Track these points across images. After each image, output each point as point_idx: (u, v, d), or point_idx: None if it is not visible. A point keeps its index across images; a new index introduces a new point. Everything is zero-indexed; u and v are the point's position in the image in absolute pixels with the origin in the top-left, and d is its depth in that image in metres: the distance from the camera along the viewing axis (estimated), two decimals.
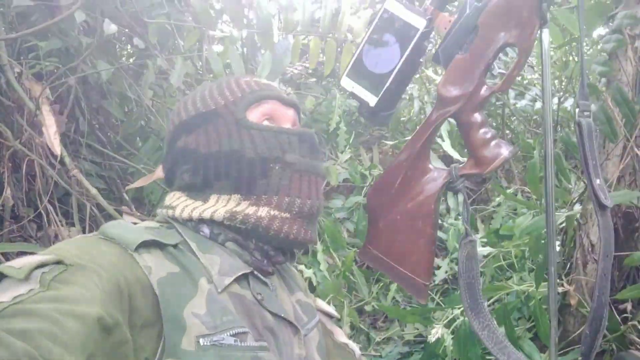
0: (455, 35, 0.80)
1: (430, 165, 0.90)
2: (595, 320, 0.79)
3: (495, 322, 0.86)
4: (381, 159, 2.85)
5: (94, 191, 1.34)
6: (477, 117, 0.82)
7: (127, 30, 1.58)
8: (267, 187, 0.79)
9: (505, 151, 0.80)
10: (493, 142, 0.81)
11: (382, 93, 0.85)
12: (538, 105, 2.52)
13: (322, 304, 0.99)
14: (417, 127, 0.88)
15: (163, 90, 1.85)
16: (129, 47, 2.09)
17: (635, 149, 1.38)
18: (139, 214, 1.44)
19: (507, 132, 3.07)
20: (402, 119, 3.06)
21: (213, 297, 0.70)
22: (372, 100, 0.86)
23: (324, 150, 0.92)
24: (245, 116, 0.82)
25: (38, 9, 1.61)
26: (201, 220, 0.79)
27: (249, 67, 1.79)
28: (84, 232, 1.57)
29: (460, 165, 0.86)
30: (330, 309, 1.00)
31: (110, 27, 1.27)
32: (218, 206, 0.79)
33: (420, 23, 0.80)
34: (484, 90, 0.80)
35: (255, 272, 0.79)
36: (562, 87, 3.14)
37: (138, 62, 1.82)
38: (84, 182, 1.32)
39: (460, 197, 2.46)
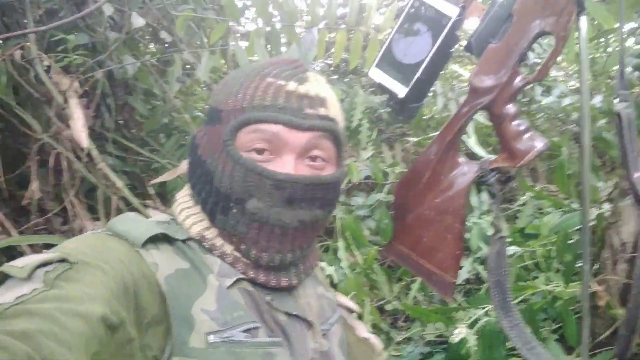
0: (489, 24, 0.77)
1: (460, 159, 0.88)
2: (631, 319, 0.76)
3: (523, 322, 0.83)
4: (404, 157, 2.82)
5: (120, 184, 1.35)
6: (511, 108, 0.79)
7: (154, 24, 1.59)
8: (225, 225, 0.72)
9: (539, 144, 0.78)
10: (527, 135, 0.79)
11: (412, 84, 0.83)
12: (565, 102, 2.47)
13: (343, 298, 0.97)
14: (446, 121, 0.86)
15: (186, 87, 1.86)
16: (152, 45, 2.10)
17: None
18: (163, 208, 1.45)
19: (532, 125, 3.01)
20: (424, 116, 3.02)
21: (223, 293, 0.69)
22: (401, 91, 0.84)
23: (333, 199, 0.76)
24: (232, 137, 0.70)
25: (67, 5, 1.63)
26: None
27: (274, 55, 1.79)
28: None
29: (491, 159, 0.84)
30: (351, 304, 0.97)
31: (138, 21, 1.28)
32: (197, 219, 0.75)
33: (453, 11, 0.78)
34: (518, 80, 0.77)
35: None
36: (591, 83, 3.08)
37: (163, 59, 1.83)
38: (110, 175, 1.33)
39: (485, 195, 2.43)
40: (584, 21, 0.71)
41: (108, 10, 1.23)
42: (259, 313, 0.71)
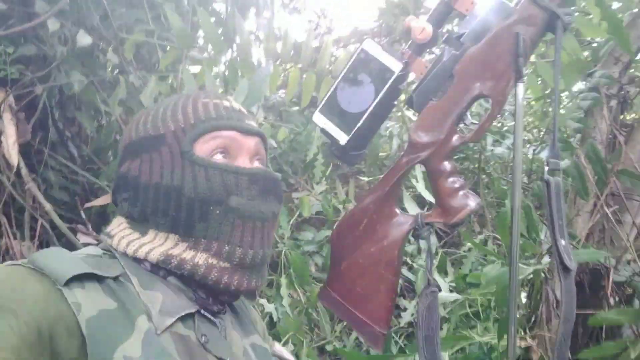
0: (431, 82, 0.78)
1: (397, 210, 0.87)
2: None
3: None
4: (357, 194, 2.82)
5: (47, 207, 1.28)
6: (447, 165, 0.80)
7: (102, 44, 1.55)
8: (206, 232, 0.72)
9: (472, 203, 0.78)
10: (461, 192, 0.79)
11: (353, 132, 0.83)
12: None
13: (280, 349, 0.94)
14: (385, 172, 0.86)
15: (136, 106, 1.81)
16: (101, 56, 2.05)
17: (605, 208, 1.38)
18: (95, 234, 1.38)
19: (484, 176, 3.10)
20: (380, 154, 3.06)
21: (150, 339, 0.64)
22: (342, 138, 0.84)
23: (284, 190, 0.86)
24: (192, 148, 0.74)
25: (17, 14, 1.57)
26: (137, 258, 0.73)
27: (230, 91, 1.77)
28: (36, 248, 1.50)
29: (427, 213, 0.84)
30: (289, 356, 0.95)
31: (85, 39, 1.24)
32: (155, 244, 0.73)
33: (396, 66, 0.78)
34: (455, 139, 0.78)
35: (202, 311, 0.73)
36: (540, 137, 3.20)
37: (116, 76, 1.78)
38: (38, 196, 1.26)
39: (433, 238, 2.45)
40: (521, 88, 0.73)
41: (53, 26, 1.18)
42: (190, 359, 0.67)
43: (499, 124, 3.22)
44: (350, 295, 0.88)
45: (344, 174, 2.98)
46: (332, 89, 0.85)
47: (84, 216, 1.38)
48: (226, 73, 1.70)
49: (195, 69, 1.63)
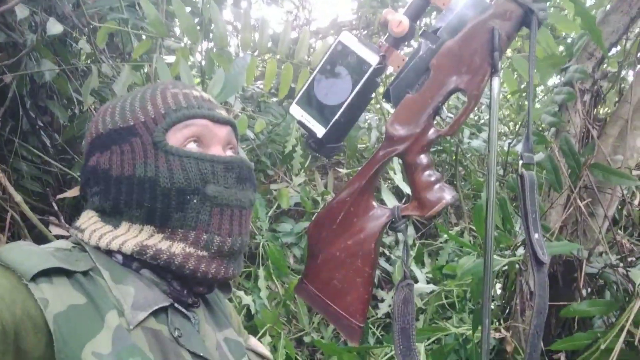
0: (407, 75, 0.78)
1: (373, 203, 0.87)
2: None
3: None
4: (335, 185, 2.82)
5: (18, 198, 1.24)
6: (423, 158, 0.80)
7: (74, 32, 1.51)
8: (183, 222, 0.71)
9: (448, 196, 0.79)
10: (437, 186, 0.79)
11: (330, 125, 0.82)
12: None
13: (255, 343, 0.93)
14: (363, 165, 0.85)
15: (109, 95, 1.77)
16: (74, 45, 2.00)
17: (578, 201, 1.41)
18: (67, 226, 1.35)
19: (460, 168, 3.13)
20: (359, 146, 3.06)
21: (121, 334, 0.63)
22: (319, 131, 0.83)
23: (255, 181, 0.84)
24: (165, 138, 0.73)
25: None
26: (110, 250, 0.71)
27: (207, 81, 1.75)
28: (7, 240, 1.46)
29: (404, 206, 0.84)
30: (264, 350, 0.94)
31: (55, 27, 1.20)
32: (128, 236, 0.71)
33: (373, 59, 0.77)
34: (431, 133, 0.78)
35: (176, 305, 0.72)
36: (516, 130, 3.24)
37: (88, 65, 1.74)
38: (8, 188, 1.22)
39: (411, 230, 2.46)
40: (496, 82, 0.73)
41: (21, 13, 1.14)
42: (162, 354, 0.66)
43: (476, 117, 3.25)
44: (327, 289, 0.88)
45: (322, 166, 2.98)
46: (309, 81, 0.84)
47: (56, 207, 1.35)
48: (202, 63, 1.68)
49: (170, 58, 1.60)
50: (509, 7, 0.70)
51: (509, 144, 2.21)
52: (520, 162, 0.72)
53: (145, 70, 1.49)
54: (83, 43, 1.37)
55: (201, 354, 0.71)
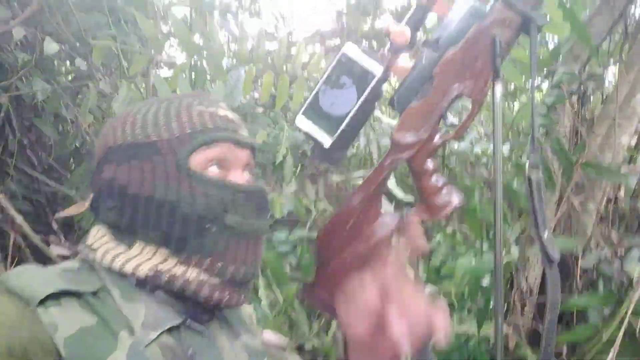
0: (412, 83, 0.80)
1: (382, 210, 0.89)
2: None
3: None
4: (326, 193, 2.84)
5: (19, 220, 1.23)
6: (430, 164, 0.82)
7: (65, 49, 1.50)
8: (200, 249, 0.71)
9: (456, 200, 0.81)
10: (444, 190, 0.82)
11: (337, 134, 0.84)
12: (476, 149, 2.62)
13: (269, 336, 0.94)
14: (370, 171, 0.87)
15: (102, 112, 1.77)
16: (68, 63, 1.99)
17: (572, 198, 1.45)
18: (68, 244, 1.34)
19: (447, 170, 3.17)
20: (347, 153, 3.08)
21: (136, 351, 0.63)
22: (326, 141, 0.85)
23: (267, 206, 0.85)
24: (188, 161, 0.72)
25: None
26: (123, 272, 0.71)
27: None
28: (5, 261, 1.44)
29: (412, 211, 0.86)
30: (278, 339, 0.94)
31: (51, 46, 1.20)
32: (142, 258, 0.71)
33: (377, 69, 0.80)
34: (437, 138, 0.80)
35: (187, 322, 0.72)
36: (506, 132, 3.28)
37: (77, 82, 1.73)
38: (8, 209, 1.21)
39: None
40: (498, 87, 0.76)
41: (18, 34, 1.14)
42: None
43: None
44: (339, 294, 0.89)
45: (312, 174, 2.99)
46: (314, 91, 0.86)
47: (55, 226, 1.34)
48: (192, 74, 1.68)
49: (164, 72, 1.61)
50: (508, 15, 0.73)
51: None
52: (527, 164, 0.75)
53: (143, 86, 1.49)
54: (80, 61, 1.37)
55: None
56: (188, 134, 0.73)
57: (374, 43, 2.78)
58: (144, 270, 0.70)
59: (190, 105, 0.76)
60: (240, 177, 0.77)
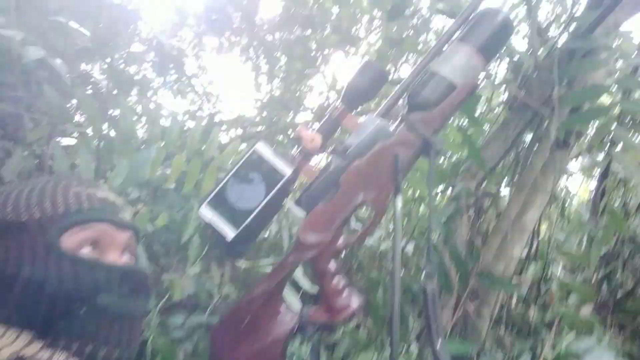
0: (319, 186, 0.83)
1: (281, 307, 0.87)
2: None
3: None
4: (232, 277, 2.75)
5: None
6: (332, 265, 0.84)
7: None
8: (68, 330, 0.67)
9: (355, 303, 0.82)
10: (345, 293, 0.83)
11: (240, 229, 0.84)
12: (383, 246, 2.71)
13: None
14: (272, 268, 0.87)
15: None
16: None
17: (467, 305, 1.52)
18: None
19: (354, 261, 3.21)
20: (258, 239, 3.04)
21: None
22: (229, 234, 0.84)
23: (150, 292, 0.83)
24: (59, 241, 0.69)
25: None
26: None
27: (102, 167, 1.67)
28: None
29: (311, 311, 0.85)
30: None
31: None
32: (3, 342, 0.65)
33: (286, 170, 0.82)
34: (340, 242, 0.82)
35: None
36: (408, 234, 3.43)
37: None
38: None
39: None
40: (399, 200, 0.80)
41: None
42: None
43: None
44: None
45: (220, 257, 2.90)
46: (221, 184, 0.86)
47: None
48: (100, 147, 1.61)
49: (66, 140, 1.54)
50: (410, 137, 0.79)
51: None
52: (423, 275, 0.78)
53: (39, 154, 1.40)
54: None
55: None
56: (60, 213, 0.71)
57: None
58: (3, 358, 0.64)
59: (67, 186, 0.75)
60: (117, 258, 0.75)
